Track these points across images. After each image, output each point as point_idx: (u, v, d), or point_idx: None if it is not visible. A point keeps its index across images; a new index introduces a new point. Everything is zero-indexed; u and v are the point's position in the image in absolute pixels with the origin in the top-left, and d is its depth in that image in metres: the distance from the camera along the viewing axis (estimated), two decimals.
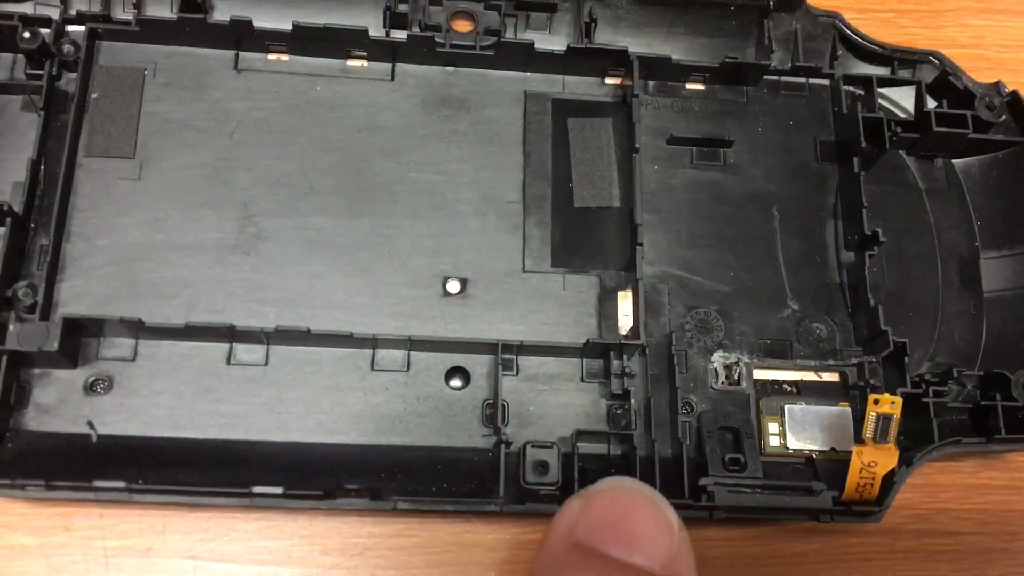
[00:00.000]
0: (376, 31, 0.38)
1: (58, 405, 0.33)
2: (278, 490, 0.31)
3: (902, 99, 0.41)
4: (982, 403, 0.36)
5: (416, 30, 0.38)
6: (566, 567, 0.25)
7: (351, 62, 0.39)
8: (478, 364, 0.35)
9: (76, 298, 0.34)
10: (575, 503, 0.26)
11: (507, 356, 0.35)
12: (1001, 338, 0.38)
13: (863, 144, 0.38)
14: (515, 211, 0.38)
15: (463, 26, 0.39)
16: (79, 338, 0.34)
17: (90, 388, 0.34)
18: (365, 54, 0.38)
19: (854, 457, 0.33)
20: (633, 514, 0.26)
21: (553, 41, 0.39)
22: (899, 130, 0.39)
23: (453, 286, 0.36)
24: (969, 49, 0.43)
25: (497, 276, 0.37)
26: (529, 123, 0.39)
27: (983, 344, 0.38)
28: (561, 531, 0.26)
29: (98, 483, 0.30)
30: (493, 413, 0.34)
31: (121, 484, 0.30)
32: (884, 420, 0.32)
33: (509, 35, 0.39)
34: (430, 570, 0.34)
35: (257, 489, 0.31)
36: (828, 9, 0.40)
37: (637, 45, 0.39)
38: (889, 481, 0.33)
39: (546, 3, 0.39)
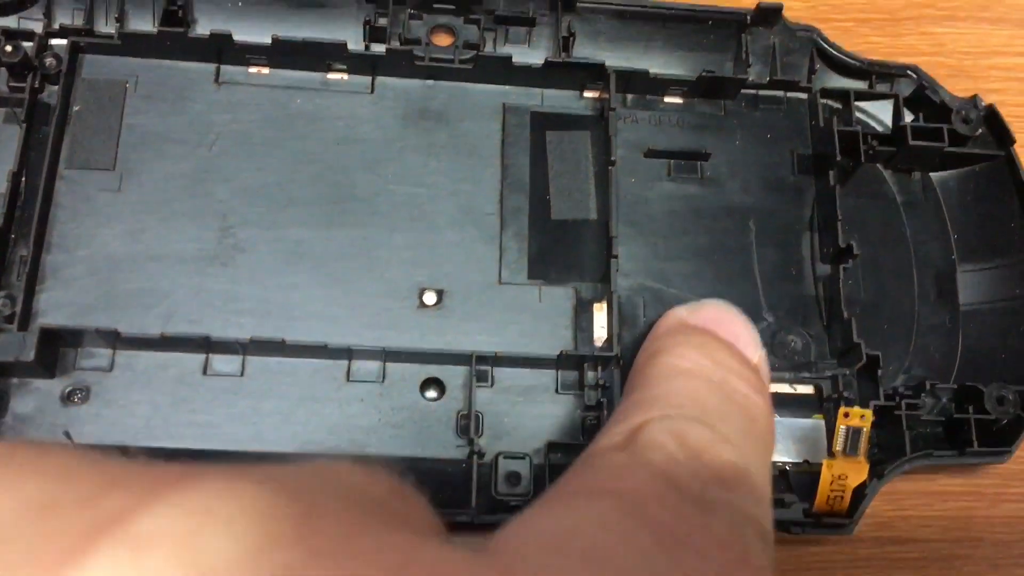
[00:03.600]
0: (355, 44, 0.38)
1: (35, 415, 0.34)
2: None
3: (880, 112, 0.41)
4: (955, 416, 0.36)
5: (396, 44, 0.38)
6: (683, 336, 0.30)
7: (331, 75, 0.39)
8: (453, 375, 0.36)
9: (55, 308, 0.35)
10: (682, 309, 0.31)
11: (482, 367, 0.35)
12: (977, 351, 0.38)
13: (838, 158, 0.38)
14: (492, 223, 0.38)
15: (442, 40, 0.39)
16: (57, 348, 0.34)
17: (67, 398, 0.34)
18: (345, 67, 0.39)
19: (824, 470, 0.33)
20: (735, 320, 0.31)
21: (532, 55, 0.40)
22: (875, 143, 0.39)
23: (429, 297, 0.37)
24: (931, 57, 0.43)
25: (474, 288, 0.37)
26: (507, 136, 0.39)
27: (959, 357, 0.38)
28: (674, 319, 0.31)
29: None
30: (467, 424, 0.35)
31: None
32: (854, 433, 0.33)
33: (488, 49, 0.39)
34: None
35: None
36: (797, 21, 0.40)
37: (615, 59, 0.40)
38: (860, 493, 0.33)
39: (525, 17, 0.39)
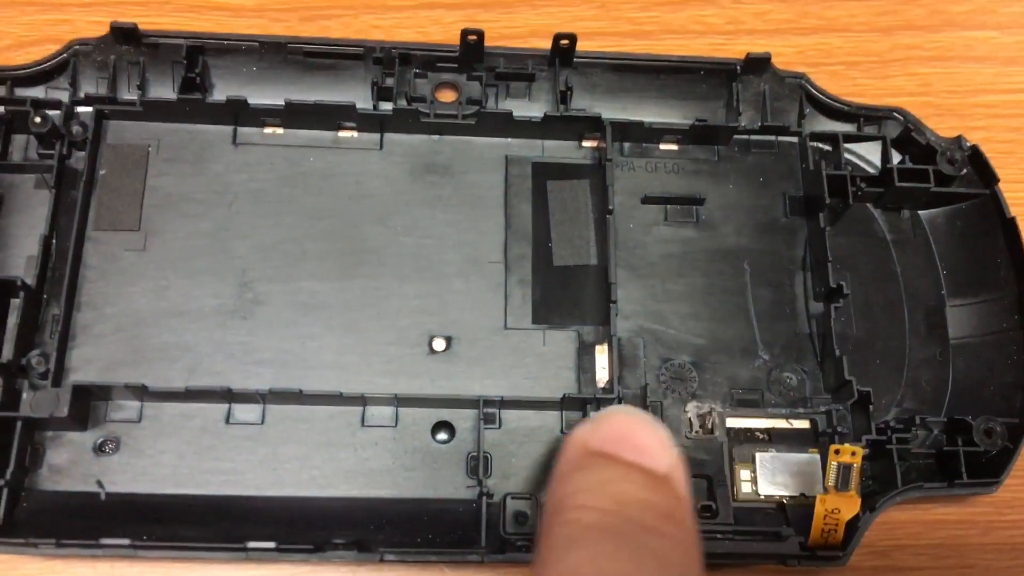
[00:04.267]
0: (364, 103, 0.40)
1: (69, 466, 0.36)
2: (271, 544, 0.33)
3: (869, 153, 0.42)
4: (946, 448, 0.37)
5: (402, 102, 0.40)
6: (586, 467, 0.28)
7: (342, 133, 0.41)
8: (462, 418, 0.37)
9: (86, 364, 0.37)
10: (586, 425, 0.29)
11: (489, 410, 0.37)
12: (967, 383, 0.39)
13: (828, 200, 0.40)
14: (497, 271, 0.40)
15: (447, 96, 0.41)
16: (88, 403, 0.36)
17: (99, 449, 0.36)
18: (355, 125, 0.41)
19: (817, 505, 0.34)
20: (639, 430, 0.28)
21: (532, 108, 0.41)
22: (864, 185, 0.40)
23: (439, 344, 0.39)
24: (917, 97, 0.45)
25: (481, 333, 0.39)
26: (510, 186, 0.41)
27: (949, 390, 0.39)
28: (576, 445, 0.28)
29: (105, 540, 0.33)
30: (476, 465, 0.36)
31: (126, 541, 0.33)
32: (845, 469, 0.34)
33: (490, 104, 0.41)
34: None
35: (251, 544, 0.33)
36: (785, 68, 0.42)
37: (611, 110, 0.41)
38: (853, 525, 0.35)
39: (524, 73, 0.41)
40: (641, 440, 0.28)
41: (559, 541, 0.26)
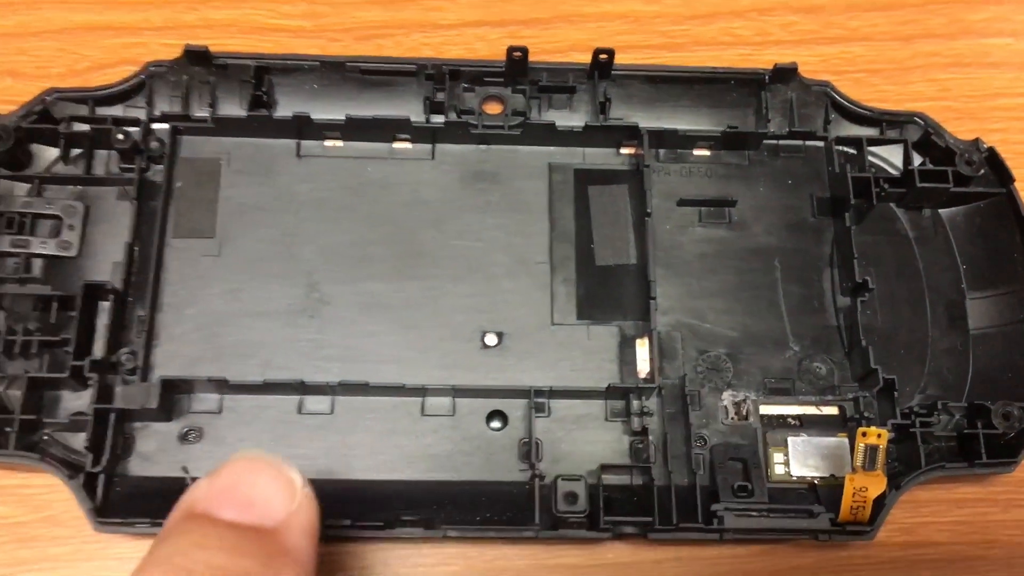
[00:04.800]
0: (417, 117, 0.43)
1: (157, 453, 0.39)
2: (347, 522, 0.36)
3: (891, 155, 0.45)
4: (966, 431, 0.40)
5: (452, 115, 0.43)
6: (175, 535, 0.27)
7: (397, 145, 0.44)
8: (514, 408, 0.40)
9: (169, 360, 0.40)
10: (203, 479, 0.28)
11: (539, 400, 0.40)
12: (986, 371, 0.42)
13: (852, 201, 0.42)
14: (543, 271, 0.43)
15: (493, 109, 0.44)
16: (172, 396, 0.39)
17: (183, 438, 0.39)
18: (409, 137, 0.44)
19: (847, 483, 0.37)
20: (252, 478, 0.28)
21: (573, 118, 0.44)
22: (887, 186, 0.43)
23: (491, 339, 0.42)
24: (937, 102, 0.47)
25: (529, 329, 0.42)
26: (553, 192, 0.44)
27: (969, 377, 0.42)
28: (182, 506, 0.28)
29: None
30: (528, 451, 0.39)
31: None
32: (871, 450, 0.37)
33: (534, 115, 0.44)
34: None
35: (329, 521, 0.36)
36: (811, 76, 0.45)
37: (648, 119, 0.44)
38: (880, 503, 0.37)
39: (566, 86, 0.44)
40: (253, 489, 0.28)
41: None
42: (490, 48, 0.47)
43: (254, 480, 0.28)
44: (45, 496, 0.39)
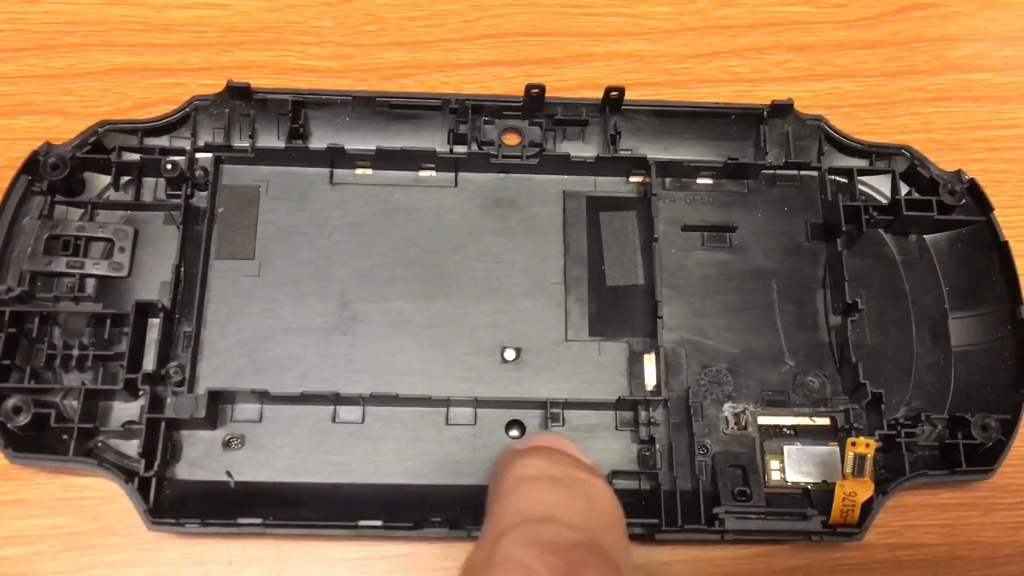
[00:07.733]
0: (441, 148, 0.47)
1: (203, 459, 0.42)
2: (378, 523, 0.39)
3: (880, 185, 0.48)
4: (948, 441, 0.43)
5: (474, 146, 0.47)
6: (527, 453, 0.32)
7: (422, 173, 0.47)
8: (531, 417, 0.44)
9: (213, 373, 0.43)
10: (515, 444, 0.34)
11: (554, 411, 0.43)
12: (967, 386, 0.45)
13: (844, 227, 0.46)
14: (558, 291, 0.46)
15: (512, 140, 0.48)
16: (217, 405, 0.43)
17: (227, 444, 0.43)
18: (433, 166, 0.47)
19: (837, 489, 0.40)
20: (562, 439, 0.34)
21: (586, 149, 0.48)
22: (876, 213, 0.46)
23: (510, 354, 0.45)
24: (921, 134, 0.51)
25: (545, 345, 0.45)
26: (568, 217, 0.47)
27: (951, 391, 0.45)
28: (509, 451, 0.33)
29: (241, 520, 0.39)
30: None
31: (258, 520, 0.39)
32: (860, 459, 0.40)
33: (549, 147, 0.47)
34: None
35: (363, 522, 0.39)
36: (805, 111, 0.48)
37: (655, 150, 0.48)
38: (868, 507, 0.41)
39: (579, 119, 0.48)
40: (564, 443, 0.33)
41: (508, 484, 0.31)
42: (504, 86, 0.51)
43: (561, 439, 0.34)
44: (100, 507, 0.42)
